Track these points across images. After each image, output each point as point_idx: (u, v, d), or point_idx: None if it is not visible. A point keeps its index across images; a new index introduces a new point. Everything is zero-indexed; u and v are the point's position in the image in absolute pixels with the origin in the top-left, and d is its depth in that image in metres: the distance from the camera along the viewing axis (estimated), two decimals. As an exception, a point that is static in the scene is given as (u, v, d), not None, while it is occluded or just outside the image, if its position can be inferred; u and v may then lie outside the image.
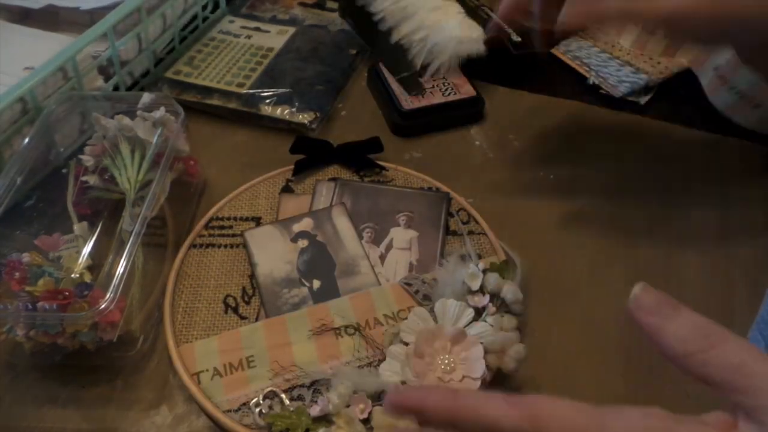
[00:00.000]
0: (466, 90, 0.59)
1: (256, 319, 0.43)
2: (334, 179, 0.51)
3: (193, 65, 0.61)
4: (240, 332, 0.42)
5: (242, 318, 0.43)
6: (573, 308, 0.45)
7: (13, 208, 0.45)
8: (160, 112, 0.47)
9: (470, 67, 0.56)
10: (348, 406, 0.38)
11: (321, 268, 0.46)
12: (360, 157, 0.53)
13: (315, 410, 0.37)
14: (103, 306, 0.37)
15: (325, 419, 0.37)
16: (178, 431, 0.39)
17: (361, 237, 0.47)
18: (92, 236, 0.43)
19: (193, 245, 0.47)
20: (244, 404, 0.38)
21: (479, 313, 0.41)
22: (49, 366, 0.41)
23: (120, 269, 0.39)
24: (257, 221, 0.49)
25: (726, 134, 0.57)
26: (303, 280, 0.45)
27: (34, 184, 0.49)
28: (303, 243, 0.47)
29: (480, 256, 0.46)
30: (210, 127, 0.58)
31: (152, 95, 0.49)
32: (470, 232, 0.48)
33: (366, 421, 0.37)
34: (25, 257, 0.40)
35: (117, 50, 0.56)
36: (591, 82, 0.62)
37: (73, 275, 0.40)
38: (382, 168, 0.52)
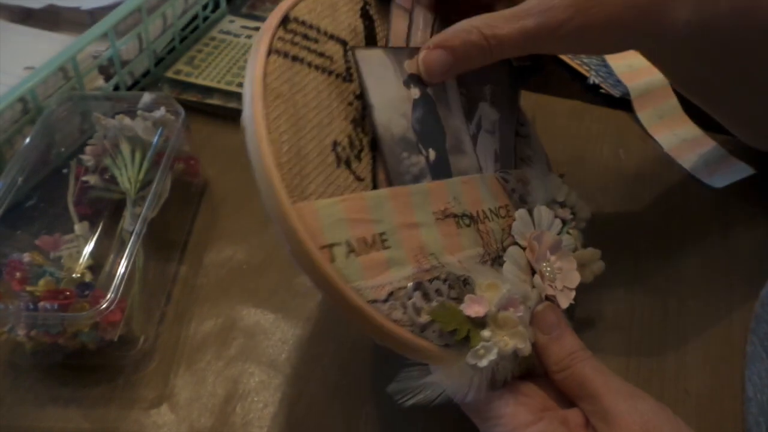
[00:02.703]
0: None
1: (374, 185, 0.32)
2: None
3: (194, 65, 0.61)
4: (364, 198, 0.31)
5: (358, 178, 0.32)
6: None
7: (13, 208, 0.45)
8: (160, 112, 0.47)
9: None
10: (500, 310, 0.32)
11: (433, 134, 0.36)
12: None
13: (471, 310, 0.31)
14: (104, 306, 0.37)
15: (477, 322, 0.31)
16: (180, 431, 0.39)
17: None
18: (93, 236, 0.43)
19: (275, 50, 0.31)
20: (391, 294, 0.30)
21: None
22: (50, 366, 0.41)
23: (121, 269, 0.39)
24: (344, 45, 0.34)
25: (721, 134, 0.57)
26: (420, 145, 0.35)
27: (35, 184, 0.48)
28: (415, 92, 0.35)
29: None
30: (210, 127, 0.57)
31: (153, 95, 0.49)
32: (518, 134, 0.42)
33: None
34: (26, 257, 0.40)
35: (117, 50, 0.56)
36: (591, 82, 0.62)
37: (74, 275, 0.40)
38: None
